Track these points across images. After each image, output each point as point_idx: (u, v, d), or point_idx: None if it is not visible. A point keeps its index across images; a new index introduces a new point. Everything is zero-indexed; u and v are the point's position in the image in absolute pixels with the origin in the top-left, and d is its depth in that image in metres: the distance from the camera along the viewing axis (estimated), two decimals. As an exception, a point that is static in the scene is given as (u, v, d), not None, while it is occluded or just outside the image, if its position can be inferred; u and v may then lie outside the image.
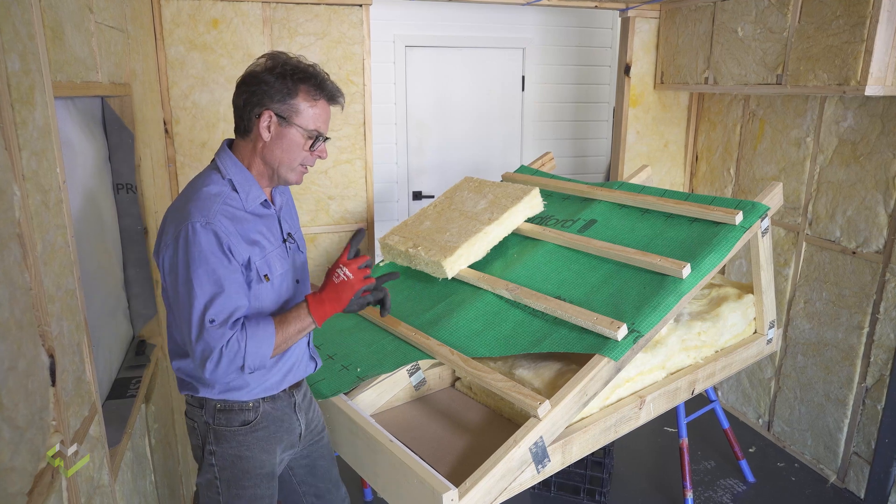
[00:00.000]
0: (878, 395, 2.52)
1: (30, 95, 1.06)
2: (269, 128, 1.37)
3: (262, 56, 1.40)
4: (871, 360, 2.54)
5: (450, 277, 2.19)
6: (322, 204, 2.97)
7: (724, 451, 2.98)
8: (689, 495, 2.47)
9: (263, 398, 1.49)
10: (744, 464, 2.79)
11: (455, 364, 1.79)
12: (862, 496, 2.61)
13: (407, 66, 3.78)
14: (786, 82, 2.50)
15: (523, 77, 4.03)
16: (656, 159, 3.43)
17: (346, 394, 1.89)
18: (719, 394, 3.38)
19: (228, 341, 1.29)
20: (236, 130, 1.43)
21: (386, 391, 1.98)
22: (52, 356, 1.10)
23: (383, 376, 1.96)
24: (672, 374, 2.01)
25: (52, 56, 1.22)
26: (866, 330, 2.55)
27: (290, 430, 1.57)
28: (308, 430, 1.65)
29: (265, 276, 1.40)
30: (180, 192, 1.44)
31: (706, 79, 2.93)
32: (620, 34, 3.31)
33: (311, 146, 1.41)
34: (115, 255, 1.99)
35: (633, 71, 3.26)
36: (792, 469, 2.86)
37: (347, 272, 1.40)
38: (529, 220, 2.40)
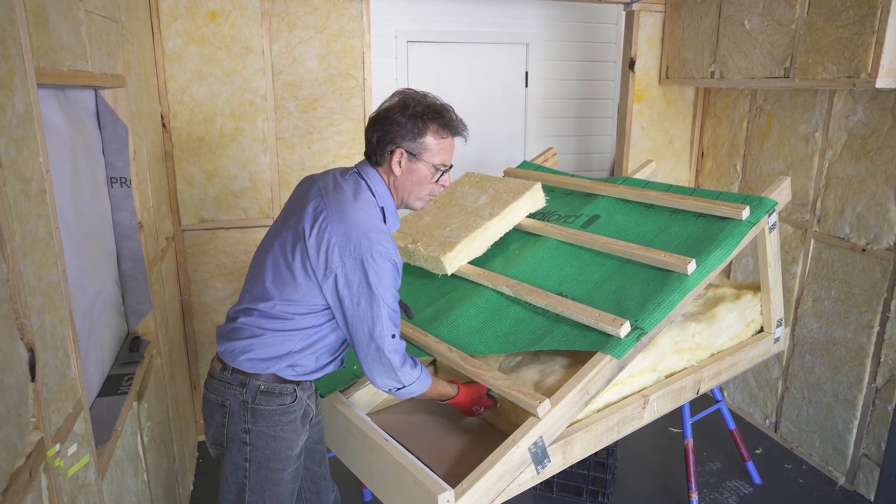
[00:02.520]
0: (888, 395, 2.46)
1: (8, 80, 1.03)
2: (399, 163, 1.50)
3: (394, 94, 1.53)
4: (882, 359, 2.48)
5: (449, 273, 2.14)
6: (322, 200, 2.93)
7: (730, 452, 2.93)
8: (695, 497, 2.42)
9: (297, 383, 1.54)
10: (750, 465, 2.74)
11: (453, 362, 1.75)
12: (872, 499, 2.55)
13: (409, 62, 3.74)
14: (794, 75, 2.45)
15: (527, 73, 3.98)
16: (661, 156, 3.37)
17: (341, 392, 1.85)
18: (725, 394, 3.33)
19: (416, 364, 1.53)
20: (372, 161, 1.55)
21: (383, 389, 1.94)
22: (31, 350, 1.06)
23: (380, 374, 1.92)
24: (667, 377, 1.95)
25: (35, 42, 1.18)
26: (876, 329, 2.49)
27: (308, 415, 1.62)
28: (315, 415, 1.70)
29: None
30: (329, 192, 1.52)
31: (712, 73, 2.88)
32: (625, 28, 3.26)
33: (440, 179, 1.54)
34: (109, 249, 1.95)
35: (637, 65, 3.21)
36: (800, 471, 2.81)
37: (480, 412, 1.82)
38: (531, 216, 2.35)
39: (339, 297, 1.43)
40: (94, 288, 1.75)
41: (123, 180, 1.99)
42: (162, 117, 2.60)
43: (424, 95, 1.52)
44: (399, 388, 1.50)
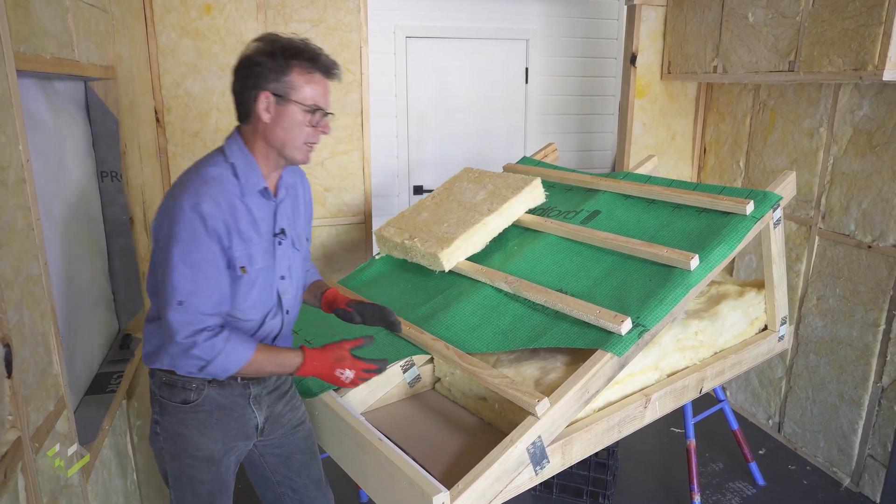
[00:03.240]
0: (894, 395, 2.41)
1: (-17, 63, 0.99)
2: (267, 109, 1.36)
3: (254, 39, 1.39)
4: (888, 358, 2.43)
5: (447, 270, 2.10)
6: (318, 196, 2.89)
7: (733, 452, 2.88)
8: (697, 498, 2.37)
9: (209, 381, 1.46)
10: (753, 466, 2.69)
11: (450, 359, 1.71)
12: (877, 500, 2.50)
13: (408, 58, 3.70)
14: (798, 69, 2.40)
15: (527, 69, 3.94)
16: (663, 152, 3.33)
17: (335, 391, 1.81)
18: (728, 394, 3.28)
19: (210, 335, 1.31)
20: (239, 118, 1.43)
21: (378, 388, 1.90)
22: (7, 346, 1.02)
23: (376, 372, 1.88)
24: (669, 375, 1.90)
25: (14, 26, 1.14)
26: (882, 327, 2.44)
27: (242, 421, 1.52)
28: (272, 423, 1.60)
29: (242, 267, 1.39)
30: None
31: (715, 67, 2.83)
32: (626, 23, 3.21)
33: (313, 122, 1.39)
34: (99, 244, 1.91)
35: (639, 60, 3.16)
36: (804, 472, 2.76)
37: (350, 375, 1.43)
38: (531, 212, 2.31)
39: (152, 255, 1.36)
40: (83, 283, 1.70)
41: (114, 174, 1.95)
42: (156, 112, 2.56)
43: (287, 36, 1.40)
44: (202, 366, 1.33)
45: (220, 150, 1.43)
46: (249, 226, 1.39)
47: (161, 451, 1.51)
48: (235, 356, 1.34)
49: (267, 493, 1.72)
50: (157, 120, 2.57)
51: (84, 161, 1.81)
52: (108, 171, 1.93)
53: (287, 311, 1.53)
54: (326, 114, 1.42)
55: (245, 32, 2.60)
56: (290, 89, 1.35)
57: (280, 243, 1.48)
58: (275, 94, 1.35)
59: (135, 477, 1.82)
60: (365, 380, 1.45)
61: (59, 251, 1.54)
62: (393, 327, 1.62)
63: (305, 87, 1.36)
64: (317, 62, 1.38)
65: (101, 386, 1.73)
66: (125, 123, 1.96)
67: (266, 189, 1.43)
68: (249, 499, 2.51)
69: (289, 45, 1.36)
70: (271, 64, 1.33)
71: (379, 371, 1.47)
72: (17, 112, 1.10)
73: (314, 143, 1.43)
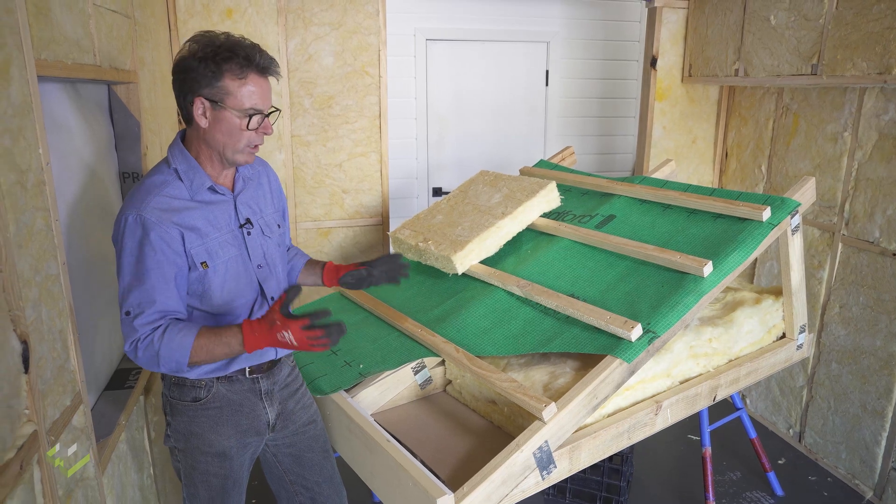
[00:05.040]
0: (919, 407, 2.35)
1: (4, 70, 1.02)
2: (204, 114, 1.35)
3: (188, 39, 1.36)
4: (912, 369, 2.37)
5: (460, 273, 2.11)
6: (336, 198, 2.92)
7: (750, 462, 2.83)
8: (712, 507, 2.34)
9: (217, 378, 1.49)
10: (772, 476, 2.65)
11: (459, 362, 1.72)
12: (900, 515, 2.45)
13: (428, 60, 3.71)
14: (821, 72, 2.36)
15: (547, 72, 3.93)
16: (683, 156, 3.29)
17: (347, 391, 1.83)
18: (747, 401, 3.23)
19: (145, 338, 1.31)
20: (182, 119, 1.42)
21: (389, 389, 1.91)
22: (25, 342, 1.05)
23: (387, 373, 1.90)
24: (682, 382, 1.88)
25: (36, 33, 1.18)
26: (907, 337, 2.39)
27: (253, 417, 1.55)
28: (283, 420, 1.62)
29: (203, 262, 1.40)
30: None
31: (736, 70, 2.80)
32: (647, 25, 3.19)
33: (251, 125, 1.37)
34: (120, 244, 1.96)
35: (659, 63, 3.13)
36: (824, 483, 2.71)
37: (292, 339, 1.29)
38: (545, 215, 2.31)
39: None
40: (104, 280, 1.75)
41: (135, 175, 2.00)
42: (178, 114, 2.61)
43: (223, 34, 1.34)
44: (155, 364, 1.32)
45: (165, 159, 1.44)
46: (206, 222, 1.40)
47: (174, 450, 1.54)
48: (177, 344, 1.30)
49: (281, 491, 1.75)
50: (180, 122, 2.63)
51: (106, 161, 1.86)
52: (130, 172, 1.98)
53: (272, 298, 1.54)
54: (268, 114, 1.39)
55: (266, 36, 2.64)
56: (225, 95, 1.32)
57: (248, 233, 1.49)
58: (209, 100, 1.32)
59: (151, 471, 1.86)
60: (313, 341, 1.29)
61: (80, 249, 1.58)
62: (402, 270, 1.67)
63: (240, 92, 1.32)
64: (251, 63, 1.33)
65: (119, 382, 1.78)
66: (147, 125, 2.01)
67: (214, 186, 1.43)
68: (265, 496, 2.55)
69: (221, 48, 1.31)
70: (203, 69, 1.30)
71: (323, 327, 1.29)
72: (38, 117, 1.14)
73: (258, 145, 1.41)
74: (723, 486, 2.69)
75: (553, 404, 1.50)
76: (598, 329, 1.69)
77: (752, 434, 2.59)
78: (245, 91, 1.33)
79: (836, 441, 2.73)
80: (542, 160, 2.81)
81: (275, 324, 1.30)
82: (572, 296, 1.84)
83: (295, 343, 1.30)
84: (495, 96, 3.90)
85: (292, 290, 1.32)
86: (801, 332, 2.17)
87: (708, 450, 2.32)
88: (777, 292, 2.18)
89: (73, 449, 1.12)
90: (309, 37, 2.70)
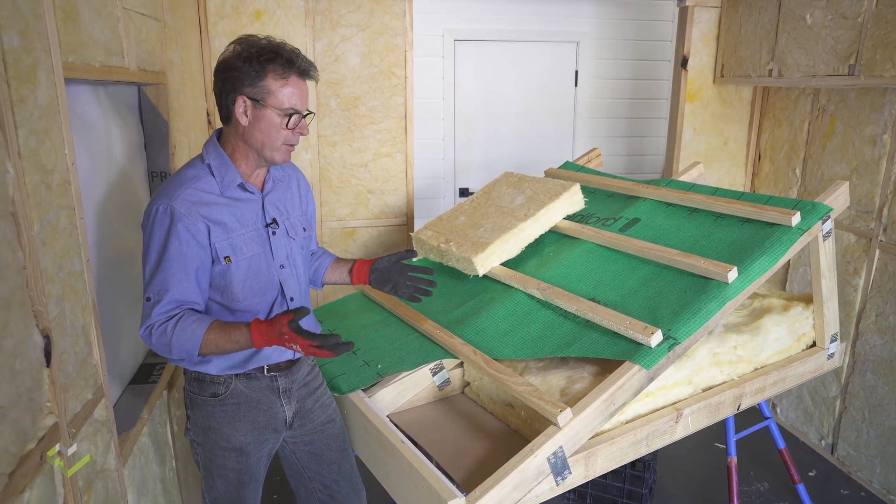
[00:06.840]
0: (958, 421, 2.26)
1: (31, 73, 1.06)
2: (245, 112, 1.41)
3: (232, 42, 1.42)
4: (952, 382, 2.28)
5: (481, 275, 2.10)
6: (361, 198, 2.94)
7: (779, 473, 2.76)
8: (736, 519, 2.28)
9: (236, 375, 1.52)
10: (801, 488, 2.57)
11: (477, 365, 1.71)
12: (937, 533, 2.35)
13: (456, 61, 3.71)
14: (859, 73, 2.28)
15: (577, 72, 3.89)
16: (715, 158, 3.22)
17: (365, 390, 1.84)
18: (777, 411, 3.14)
19: (159, 325, 1.36)
20: (221, 118, 1.47)
21: (407, 390, 1.92)
22: (47, 337, 1.09)
23: (405, 374, 1.90)
24: (704, 390, 1.84)
25: (64, 37, 1.21)
26: (947, 349, 2.29)
27: (270, 414, 1.58)
28: (301, 418, 1.65)
29: (226, 257, 1.44)
30: None
31: (770, 71, 2.72)
32: (678, 25, 3.13)
33: (289, 124, 1.43)
34: (147, 241, 2.01)
35: (690, 64, 3.07)
36: (857, 498, 2.62)
37: (298, 349, 1.33)
38: (569, 218, 2.28)
39: None
40: (130, 277, 1.80)
41: (164, 174, 2.05)
42: (207, 114, 2.67)
43: (266, 38, 1.41)
44: (168, 351, 1.37)
45: (199, 154, 1.50)
46: (233, 218, 1.45)
47: (193, 443, 1.58)
48: (188, 336, 1.35)
49: (300, 488, 1.78)
50: (209, 122, 2.68)
51: (135, 161, 1.91)
52: (158, 171, 2.03)
53: (291, 299, 1.57)
54: (305, 115, 1.45)
55: (294, 37, 2.68)
56: (266, 94, 1.39)
57: (274, 233, 1.53)
58: (251, 99, 1.39)
59: (174, 464, 1.90)
60: (318, 351, 1.32)
61: (109, 246, 1.63)
62: (425, 289, 1.72)
63: (281, 92, 1.39)
64: (293, 65, 1.40)
65: (144, 376, 1.82)
66: (175, 126, 2.06)
67: (244, 183, 1.47)
68: (287, 490, 2.58)
69: (265, 49, 1.38)
70: (247, 69, 1.37)
71: (330, 347, 1.30)
72: (64, 119, 1.18)
73: (294, 144, 1.47)
74: (749, 497, 2.62)
75: (569, 409, 1.48)
76: (618, 334, 1.66)
77: (781, 444, 2.51)
78: (286, 91, 1.40)
79: (870, 454, 2.64)
80: (567, 162, 2.78)
81: (283, 335, 1.33)
82: (593, 300, 1.81)
83: (301, 352, 1.35)
84: (524, 97, 3.87)
85: (300, 312, 1.34)
86: (832, 341, 2.10)
87: (733, 459, 2.27)
88: (807, 299, 2.11)
89: (73, 449, 1.15)
90: (336, 38, 2.72)
